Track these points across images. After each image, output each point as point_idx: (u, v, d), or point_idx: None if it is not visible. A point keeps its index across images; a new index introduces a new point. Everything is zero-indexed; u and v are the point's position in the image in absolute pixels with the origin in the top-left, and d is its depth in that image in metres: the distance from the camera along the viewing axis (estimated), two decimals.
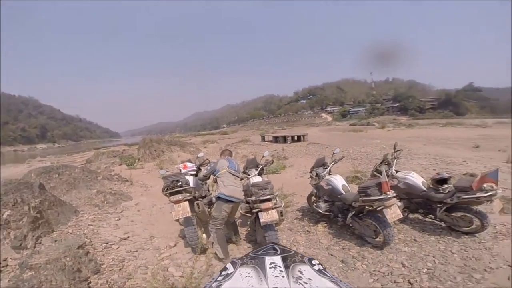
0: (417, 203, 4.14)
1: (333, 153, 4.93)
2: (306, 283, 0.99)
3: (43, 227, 4.08)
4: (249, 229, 4.41)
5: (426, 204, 4.03)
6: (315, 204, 4.63)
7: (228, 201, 3.41)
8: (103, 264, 3.44)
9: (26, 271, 2.81)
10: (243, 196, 3.65)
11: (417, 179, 4.15)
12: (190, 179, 4.00)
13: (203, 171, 3.94)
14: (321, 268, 1.16)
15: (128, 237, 4.33)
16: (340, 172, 5.44)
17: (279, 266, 1.11)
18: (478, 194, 3.40)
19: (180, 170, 4.41)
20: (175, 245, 4.06)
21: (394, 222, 3.78)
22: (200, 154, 5.08)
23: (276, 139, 20.98)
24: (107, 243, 4.01)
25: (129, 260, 3.60)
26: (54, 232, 4.27)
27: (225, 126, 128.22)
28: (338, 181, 4.24)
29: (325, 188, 4.31)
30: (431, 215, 4.05)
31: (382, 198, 3.31)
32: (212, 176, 3.79)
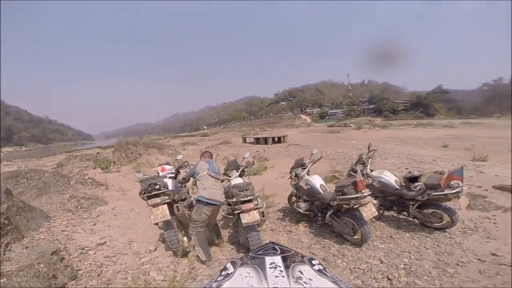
0: (391, 200, 4.33)
1: (312, 153, 5.05)
2: (306, 283, 0.99)
3: (12, 233, 3.84)
4: (231, 230, 4.40)
5: (400, 202, 4.22)
6: (295, 204, 4.70)
7: (208, 204, 3.37)
8: (80, 270, 3.32)
9: None
10: (224, 198, 3.64)
11: (390, 178, 4.35)
12: (169, 182, 3.93)
13: (182, 173, 3.87)
14: (321, 268, 1.16)
15: (105, 242, 4.20)
16: (319, 172, 5.57)
17: (279, 266, 1.11)
18: (446, 191, 3.61)
19: (158, 173, 4.32)
20: (155, 249, 3.98)
21: (370, 219, 3.93)
22: (179, 157, 5.00)
23: (257, 141, 21.01)
24: (83, 249, 3.87)
25: (108, 266, 3.49)
26: (25, 239, 4.07)
27: (205, 127, 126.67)
28: (317, 181, 4.34)
29: (304, 188, 4.40)
30: (404, 212, 4.24)
31: (358, 197, 3.43)
32: (191, 179, 3.74)
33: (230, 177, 4.26)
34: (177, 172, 4.52)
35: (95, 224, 5.00)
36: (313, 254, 3.65)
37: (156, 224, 3.61)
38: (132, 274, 3.22)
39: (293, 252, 1.32)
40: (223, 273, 1.17)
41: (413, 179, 4.08)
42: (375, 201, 4.14)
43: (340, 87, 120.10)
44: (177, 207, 3.62)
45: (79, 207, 5.80)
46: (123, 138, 18.86)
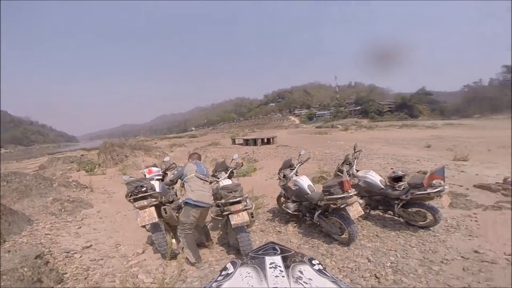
0: (376, 200, 4.43)
1: (299, 154, 5.11)
2: (306, 283, 0.99)
3: None
4: (221, 232, 4.39)
5: (385, 201, 4.33)
6: (284, 205, 4.74)
7: (196, 206, 3.35)
8: (66, 273, 3.26)
9: None
10: (212, 200, 3.62)
11: (376, 178, 4.45)
12: (156, 184, 3.88)
13: (170, 175, 3.83)
14: (321, 268, 1.16)
15: (91, 245, 4.12)
16: (307, 173, 5.63)
17: (279, 266, 1.11)
18: (429, 190, 3.72)
19: (145, 175, 4.25)
20: (143, 252, 3.92)
21: (357, 219, 4.00)
22: (166, 158, 4.95)
23: (246, 142, 21.03)
24: (68, 252, 3.79)
25: (95, 269, 3.43)
26: (7, 243, 3.97)
27: (193, 129, 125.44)
28: (304, 182, 4.39)
29: (293, 188, 4.44)
30: (390, 211, 4.35)
31: (344, 196, 3.49)
32: (179, 181, 3.70)
33: (218, 178, 4.24)
34: (164, 174, 4.47)
35: (80, 227, 4.90)
36: None
37: (144, 226, 3.59)
38: (120, 277, 3.17)
39: (293, 252, 1.32)
40: (223, 273, 1.17)
41: (397, 179, 4.19)
42: (361, 201, 4.23)
43: (328, 88, 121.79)
44: (164, 209, 3.58)
45: (63, 210, 5.66)
46: (108, 140, 18.42)
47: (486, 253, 3.28)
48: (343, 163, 4.89)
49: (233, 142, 23.66)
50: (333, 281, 1.03)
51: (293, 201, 4.53)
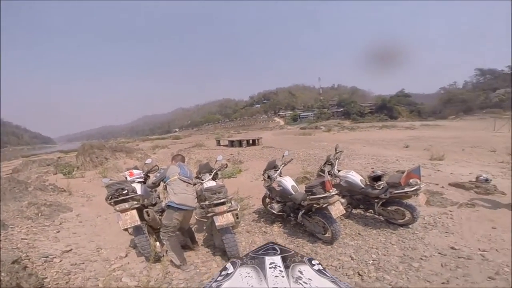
0: (357, 199, 4.56)
1: (283, 156, 5.17)
2: (306, 283, 0.99)
3: None
4: (206, 234, 4.36)
5: (365, 200, 4.46)
6: (269, 206, 4.78)
7: (179, 209, 3.31)
8: (46, 278, 3.15)
9: None
10: (196, 203, 3.59)
11: (356, 177, 4.58)
12: (138, 187, 3.83)
13: (152, 178, 3.76)
14: (321, 268, 1.16)
15: (71, 249, 4.00)
16: (291, 173, 5.69)
17: (279, 266, 1.11)
18: (406, 189, 3.87)
19: (126, 177, 4.17)
20: (126, 255, 3.84)
21: (339, 218, 4.09)
22: (148, 161, 4.86)
23: (232, 143, 20.93)
24: (47, 257, 3.66)
25: (76, 273, 3.34)
26: None
27: (177, 130, 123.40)
28: (288, 182, 4.44)
29: (277, 189, 4.48)
30: (370, 210, 4.47)
31: (326, 196, 3.57)
32: (162, 183, 3.65)
33: (202, 180, 4.21)
34: (147, 176, 4.40)
35: (58, 231, 4.75)
36: None
37: (126, 230, 3.52)
38: (104, 281, 3.11)
39: (293, 252, 1.32)
40: (223, 273, 1.17)
41: (377, 178, 4.33)
42: (343, 200, 4.33)
43: (312, 90, 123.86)
44: (147, 212, 3.54)
45: (40, 214, 5.45)
46: (87, 142, 17.78)
47: (462, 249, 3.42)
48: (325, 163, 5.00)
49: (218, 143, 23.51)
50: (332, 281, 1.04)
51: (278, 202, 4.58)
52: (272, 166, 4.97)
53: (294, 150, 13.86)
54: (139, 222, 3.36)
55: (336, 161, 5.01)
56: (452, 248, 3.47)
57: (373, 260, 3.35)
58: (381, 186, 4.22)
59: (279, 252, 1.30)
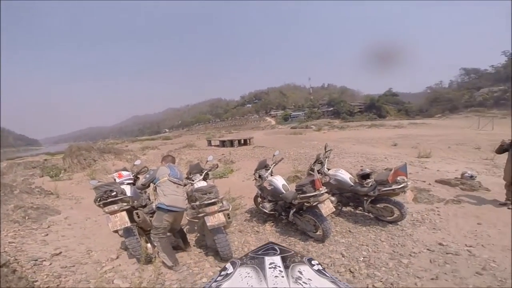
0: (347, 197, 4.63)
1: (274, 155, 5.20)
2: (306, 283, 0.98)
3: None
4: (198, 234, 4.34)
5: (355, 198, 4.53)
6: (261, 205, 4.79)
7: (169, 211, 3.29)
8: (36, 281, 3.10)
9: None
10: (187, 204, 3.57)
11: (345, 175, 4.64)
12: (127, 188, 3.79)
13: (142, 179, 3.72)
14: (321, 268, 1.15)
15: (60, 252, 3.93)
16: (283, 172, 5.72)
17: (279, 266, 1.10)
18: (394, 186, 3.95)
19: (115, 179, 4.10)
20: (117, 257, 3.80)
21: (330, 215, 4.14)
22: (137, 162, 4.80)
23: (223, 143, 20.84)
24: (36, 260, 3.59)
25: (67, 276, 3.30)
26: None
27: (167, 130, 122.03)
28: (279, 181, 4.47)
29: (268, 188, 4.50)
30: (360, 208, 4.55)
31: (316, 194, 3.62)
32: (152, 185, 3.60)
33: (193, 181, 4.19)
34: (136, 178, 4.35)
35: (47, 234, 4.66)
36: None
37: (116, 231, 3.49)
38: (95, 283, 3.08)
39: (293, 252, 1.32)
40: (223, 273, 1.16)
41: (365, 176, 4.40)
42: (333, 198, 4.39)
43: (302, 90, 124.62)
44: (137, 213, 3.50)
45: (27, 217, 5.32)
46: (74, 143, 17.35)
47: (450, 245, 3.51)
48: (315, 162, 5.06)
49: (209, 143, 23.34)
50: (332, 282, 1.04)
51: (269, 201, 4.60)
52: (263, 165, 5.00)
53: (285, 149, 13.92)
54: (129, 224, 3.33)
55: (326, 160, 5.07)
56: (440, 244, 3.55)
57: (363, 257, 3.41)
58: (370, 183, 4.30)
59: (278, 252, 1.30)
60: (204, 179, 4.29)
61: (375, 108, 65.43)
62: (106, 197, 3.34)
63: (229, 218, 3.49)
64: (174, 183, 3.44)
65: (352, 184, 4.50)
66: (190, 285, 3.07)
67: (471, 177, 6.18)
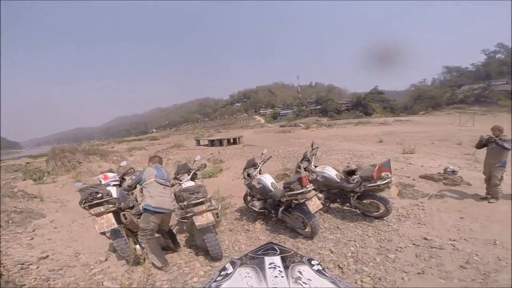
0: (334, 193, 4.70)
1: (262, 153, 5.21)
2: (306, 283, 0.99)
3: None
4: (187, 234, 4.31)
5: (342, 194, 4.61)
6: (250, 204, 4.81)
7: (155, 212, 3.25)
8: (24, 285, 3.07)
9: None
10: (174, 205, 3.53)
11: (332, 172, 4.72)
12: (113, 190, 3.73)
13: (128, 181, 3.66)
14: (320, 268, 1.16)
15: (47, 256, 3.85)
16: (272, 171, 5.74)
17: (279, 266, 1.11)
18: (378, 182, 4.05)
19: (101, 181, 4.02)
20: (106, 259, 3.75)
21: (319, 212, 4.19)
22: (123, 163, 4.72)
23: (212, 143, 20.68)
24: (23, 264, 3.53)
25: (55, 279, 3.26)
26: None
27: (154, 130, 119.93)
28: (268, 180, 4.50)
29: (257, 187, 4.52)
30: (347, 204, 4.63)
31: (303, 192, 3.66)
32: (138, 186, 3.55)
33: (181, 181, 4.15)
34: (122, 179, 4.29)
35: (32, 238, 4.56)
36: None
37: (103, 233, 3.44)
38: (85, 285, 3.06)
39: (293, 252, 1.33)
40: (222, 273, 1.16)
41: (351, 173, 4.49)
42: (320, 195, 4.45)
43: (291, 88, 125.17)
44: (124, 215, 3.46)
45: (10, 222, 5.18)
46: (57, 145, 16.83)
47: (434, 239, 3.62)
48: (302, 160, 5.12)
49: (198, 143, 23.14)
50: (332, 282, 1.04)
51: (259, 199, 4.62)
52: (252, 164, 5.01)
53: (274, 147, 13.99)
54: (116, 226, 3.30)
55: (313, 157, 5.14)
56: (425, 238, 3.66)
57: (351, 253, 3.47)
58: (355, 180, 4.37)
59: (278, 252, 1.31)
60: (192, 179, 4.26)
61: (362, 106, 66.43)
62: (92, 199, 3.28)
63: (218, 217, 3.49)
64: (161, 184, 3.40)
65: (339, 180, 4.57)
66: (181, 285, 3.06)
67: (453, 172, 6.39)
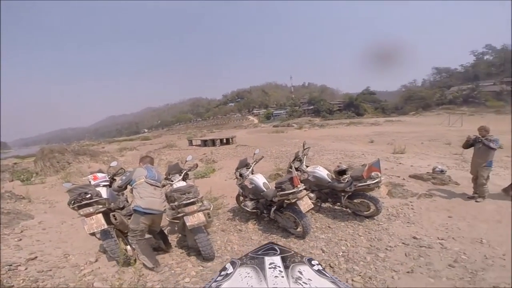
0: (325, 193, 4.74)
1: (254, 153, 5.22)
2: (306, 284, 0.98)
3: None
4: (179, 235, 4.28)
5: (333, 194, 4.65)
6: (243, 204, 4.80)
7: (145, 213, 3.21)
8: (12, 286, 3.04)
9: None
10: (165, 206, 3.50)
11: (323, 172, 4.75)
12: (103, 191, 3.68)
13: (118, 181, 3.61)
14: (321, 268, 1.16)
15: (36, 257, 3.80)
16: (265, 171, 5.75)
17: (279, 266, 1.11)
18: (368, 182, 4.09)
19: (90, 181, 3.96)
20: (96, 261, 3.71)
21: (310, 212, 4.21)
22: (113, 163, 4.65)
23: (204, 143, 20.59)
24: (11, 265, 3.48)
25: (44, 280, 3.21)
26: None
27: (146, 130, 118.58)
28: (260, 180, 4.50)
29: (249, 187, 4.52)
30: (338, 203, 4.67)
31: (294, 191, 3.67)
32: (129, 187, 3.50)
33: (172, 181, 4.12)
34: (112, 180, 4.22)
35: (20, 239, 4.49)
36: None
37: (93, 234, 3.39)
38: (75, 286, 3.03)
39: (293, 252, 1.33)
40: (223, 273, 1.15)
41: (342, 172, 4.53)
42: (312, 195, 4.48)
43: (284, 88, 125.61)
44: (114, 215, 3.42)
45: None
46: (46, 146, 16.47)
47: (423, 238, 3.67)
48: (293, 160, 5.14)
49: (190, 143, 23.00)
50: (332, 282, 1.04)
51: (251, 199, 4.62)
52: (244, 164, 5.00)
53: (267, 147, 14.02)
54: (105, 226, 3.26)
55: (304, 157, 5.17)
56: (414, 237, 3.71)
57: (342, 252, 3.50)
58: (346, 179, 4.41)
59: (278, 252, 1.31)
60: (184, 179, 4.23)
61: (354, 107, 67.14)
62: (81, 200, 3.24)
63: (209, 217, 3.47)
64: (151, 185, 3.36)
65: (330, 180, 4.60)
66: (172, 286, 3.04)
67: (442, 171, 6.52)
